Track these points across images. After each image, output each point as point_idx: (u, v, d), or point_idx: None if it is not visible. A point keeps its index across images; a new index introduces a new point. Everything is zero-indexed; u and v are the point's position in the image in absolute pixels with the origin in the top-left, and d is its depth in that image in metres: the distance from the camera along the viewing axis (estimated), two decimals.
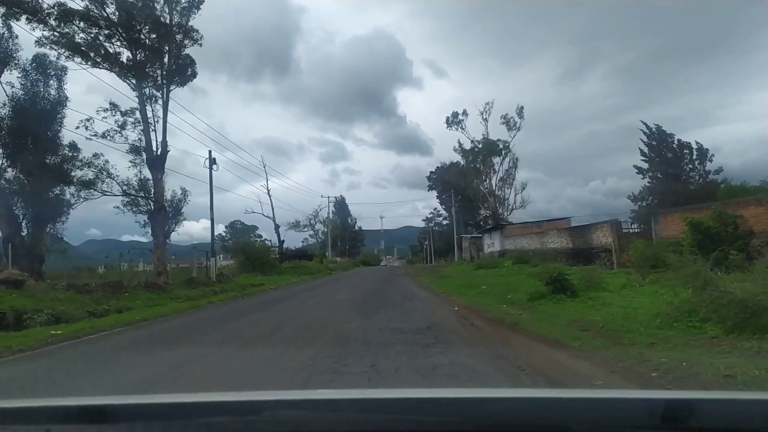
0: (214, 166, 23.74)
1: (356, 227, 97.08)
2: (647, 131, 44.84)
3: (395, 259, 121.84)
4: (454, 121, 54.62)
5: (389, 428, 1.13)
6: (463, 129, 54.35)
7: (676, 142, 44.76)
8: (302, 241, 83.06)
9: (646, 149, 45.49)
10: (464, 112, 54.35)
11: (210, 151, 23.43)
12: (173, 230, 25.53)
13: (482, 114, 53.22)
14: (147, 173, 25.00)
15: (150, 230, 24.65)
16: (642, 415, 1.13)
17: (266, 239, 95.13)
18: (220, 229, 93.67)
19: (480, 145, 53.54)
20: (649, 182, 46.42)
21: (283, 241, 49.99)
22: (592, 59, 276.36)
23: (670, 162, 45.16)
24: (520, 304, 10.40)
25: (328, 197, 64.59)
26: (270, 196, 47.89)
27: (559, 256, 27.75)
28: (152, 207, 24.82)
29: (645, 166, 46.47)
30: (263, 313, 11.31)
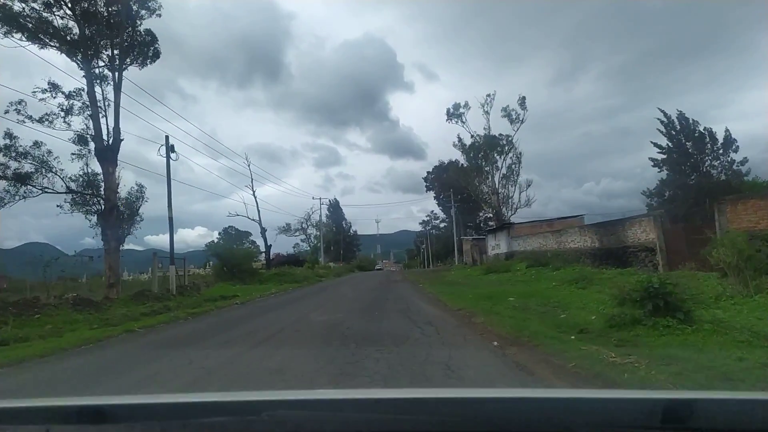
0: (173, 156, 19.52)
1: (351, 231, 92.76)
2: (665, 119, 41.12)
3: (392, 263, 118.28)
4: (455, 113, 50.70)
5: (389, 428, 1.13)
6: (464, 122, 50.45)
7: (698, 130, 41.06)
8: (293, 247, 78.90)
9: (664, 139, 41.75)
10: (465, 105, 50.48)
11: (167, 137, 19.22)
12: (128, 233, 21.35)
13: (483, 107, 49.39)
14: (97, 167, 20.92)
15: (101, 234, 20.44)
16: (642, 415, 1.12)
17: (257, 245, 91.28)
18: (213, 236, 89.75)
19: (481, 140, 49.57)
20: (667, 175, 42.78)
21: (271, 245, 45.81)
22: (585, 61, 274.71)
23: (690, 152, 41.51)
24: (601, 335, 6.32)
25: (320, 199, 60.20)
26: (255, 198, 43.83)
27: (583, 257, 23.80)
28: (102, 206, 20.68)
29: (661, 157, 42.81)
30: (172, 359, 7.17)
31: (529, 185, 49.00)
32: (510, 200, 49.67)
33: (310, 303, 15.29)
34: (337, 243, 78.94)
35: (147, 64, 22.91)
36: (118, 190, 21.30)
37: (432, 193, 78.79)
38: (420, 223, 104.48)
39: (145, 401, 1.36)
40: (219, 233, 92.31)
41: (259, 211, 44.06)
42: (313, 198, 63.77)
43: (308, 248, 68.91)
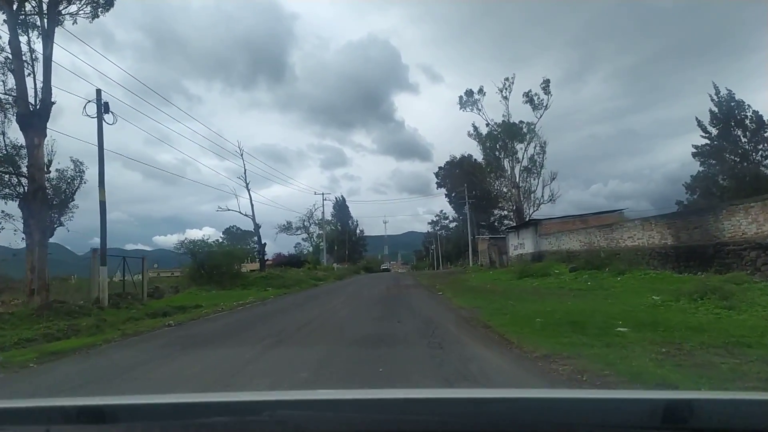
0: (109, 118, 14.21)
1: (358, 231, 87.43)
2: (715, 98, 35.47)
3: (399, 264, 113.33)
4: (469, 100, 45.25)
5: (389, 428, 1.11)
6: (480, 110, 44.99)
7: (747, 114, 35.42)
8: (294, 246, 73.90)
9: (706, 124, 36.15)
10: (480, 90, 45.01)
11: (98, 91, 14.02)
12: (58, 224, 16.27)
13: (501, 92, 43.87)
14: (20, 137, 15.86)
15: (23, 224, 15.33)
16: (642, 415, 1.11)
17: (254, 245, 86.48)
18: (218, 236, 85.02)
19: (499, 129, 44.06)
20: (713, 164, 37.17)
21: (265, 244, 40.64)
22: (593, 61, 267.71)
23: (737, 139, 35.88)
24: None
25: (323, 194, 54.68)
26: (249, 191, 38.70)
27: (648, 258, 18.37)
28: (25, 188, 15.62)
29: (700, 142, 37.25)
30: None
31: (554, 178, 43.38)
32: (532, 195, 44.11)
33: (282, 322, 9.99)
34: (342, 243, 73.68)
35: (99, 14, 17.83)
36: (48, 169, 16.29)
37: (443, 191, 73.09)
38: (429, 223, 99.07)
39: (145, 401, 1.30)
40: (222, 233, 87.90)
41: (252, 206, 38.94)
42: (315, 193, 58.04)
43: (310, 248, 63.70)
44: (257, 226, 39.53)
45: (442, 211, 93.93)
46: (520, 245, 36.63)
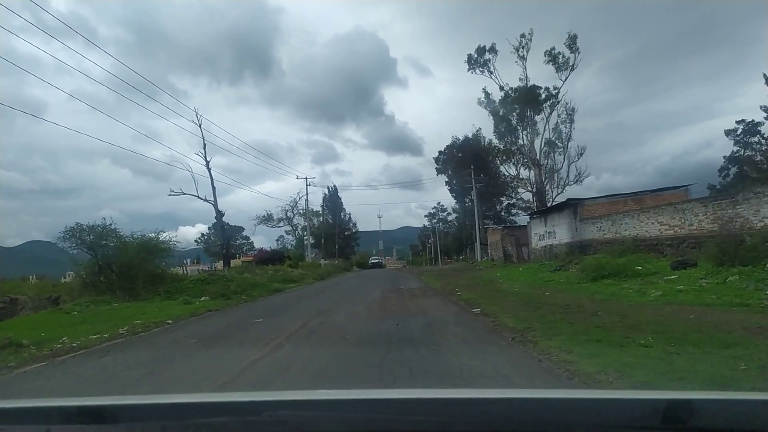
0: None
1: (350, 224, 79.12)
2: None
3: (395, 260, 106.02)
4: (479, 60, 37.10)
5: (389, 428, 1.09)
6: (491, 72, 36.88)
7: None
8: (277, 240, 65.81)
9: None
10: (492, 48, 36.86)
11: None
12: None
13: (518, 50, 35.81)
14: None
15: None
16: (642, 415, 1.09)
17: (249, 241, 77.92)
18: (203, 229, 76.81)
19: (515, 94, 35.99)
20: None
21: (230, 236, 32.43)
22: (585, 54, 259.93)
23: None
24: None
25: (306, 178, 46.20)
26: (209, 168, 30.51)
27: None
28: None
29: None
30: None
31: (582, 154, 35.46)
32: (556, 175, 36.18)
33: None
34: (332, 237, 65.40)
35: None
36: None
37: (443, 178, 64.89)
38: (426, 216, 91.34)
39: (145, 401, 1.31)
40: (209, 228, 79.61)
41: (213, 186, 30.81)
42: (297, 178, 48.99)
43: (294, 242, 55.45)
44: (219, 213, 31.35)
45: (439, 203, 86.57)
46: (549, 234, 28.70)
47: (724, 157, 49.94)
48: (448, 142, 63.61)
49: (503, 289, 13.74)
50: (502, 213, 62.71)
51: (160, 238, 17.62)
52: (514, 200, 61.76)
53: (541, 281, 15.02)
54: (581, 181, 35.43)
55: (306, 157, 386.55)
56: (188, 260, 57.77)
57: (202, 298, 14.40)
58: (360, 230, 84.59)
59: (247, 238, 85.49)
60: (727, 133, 49.90)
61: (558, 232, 27.22)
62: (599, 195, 25.20)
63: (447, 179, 64.60)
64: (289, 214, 53.81)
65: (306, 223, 49.47)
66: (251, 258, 55.56)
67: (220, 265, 49.22)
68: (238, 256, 67.42)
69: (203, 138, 30.20)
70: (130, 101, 51.49)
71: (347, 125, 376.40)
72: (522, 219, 58.57)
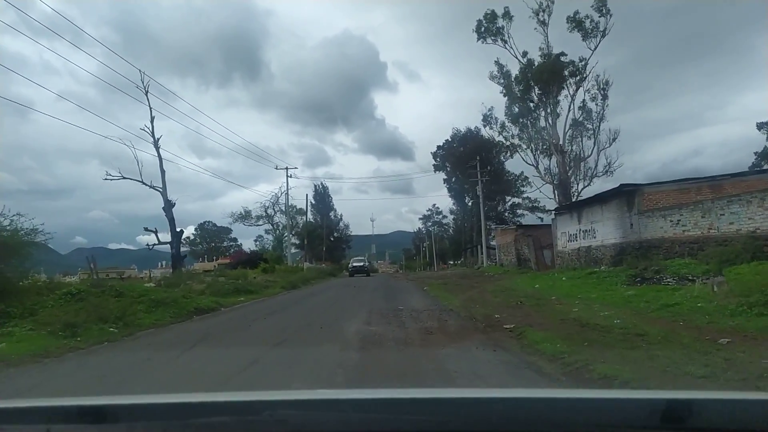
0: None
1: (343, 225, 72.19)
2: None
3: (387, 263, 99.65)
4: (489, 28, 30.66)
5: (389, 428, 1.08)
6: (505, 41, 30.44)
7: None
8: (255, 240, 58.86)
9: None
10: (506, 14, 30.44)
11: None
12: None
13: (538, 14, 29.46)
14: None
15: None
16: (642, 415, 1.07)
17: (238, 243, 70.72)
18: (189, 231, 70.39)
19: (536, 65, 29.53)
20: None
21: (181, 232, 25.42)
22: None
23: None
24: None
25: (287, 168, 39.23)
26: (158, 148, 23.70)
27: None
28: None
29: None
30: None
31: (615, 139, 28.99)
32: (582, 164, 29.70)
33: None
34: (319, 238, 58.49)
35: None
36: None
37: (442, 175, 58.36)
38: (420, 218, 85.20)
39: (145, 401, 1.26)
40: (195, 228, 72.40)
41: (162, 168, 23.97)
42: (276, 168, 40.46)
43: (273, 242, 48.47)
44: (169, 204, 24.40)
45: (434, 205, 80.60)
46: (586, 233, 22.12)
47: (755, 153, 45.22)
48: (441, 143, 57.07)
49: (583, 318, 7.05)
50: (506, 213, 56.32)
51: (18, 229, 10.67)
52: (519, 200, 55.51)
53: (641, 304, 8.29)
54: (612, 172, 29.04)
55: (297, 160, 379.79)
56: (163, 263, 50.93)
57: (26, 330, 7.53)
58: (353, 234, 77.85)
59: (234, 239, 78.63)
60: (759, 126, 45.01)
61: (601, 230, 20.65)
62: (664, 181, 18.53)
63: (446, 176, 58.12)
64: (269, 211, 46.77)
65: (287, 222, 42.39)
66: (229, 260, 48.76)
67: (202, 266, 42.28)
68: (215, 258, 60.44)
69: (150, 112, 23.38)
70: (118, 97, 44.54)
71: (338, 129, 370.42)
72: (528, 219, 52.20)
